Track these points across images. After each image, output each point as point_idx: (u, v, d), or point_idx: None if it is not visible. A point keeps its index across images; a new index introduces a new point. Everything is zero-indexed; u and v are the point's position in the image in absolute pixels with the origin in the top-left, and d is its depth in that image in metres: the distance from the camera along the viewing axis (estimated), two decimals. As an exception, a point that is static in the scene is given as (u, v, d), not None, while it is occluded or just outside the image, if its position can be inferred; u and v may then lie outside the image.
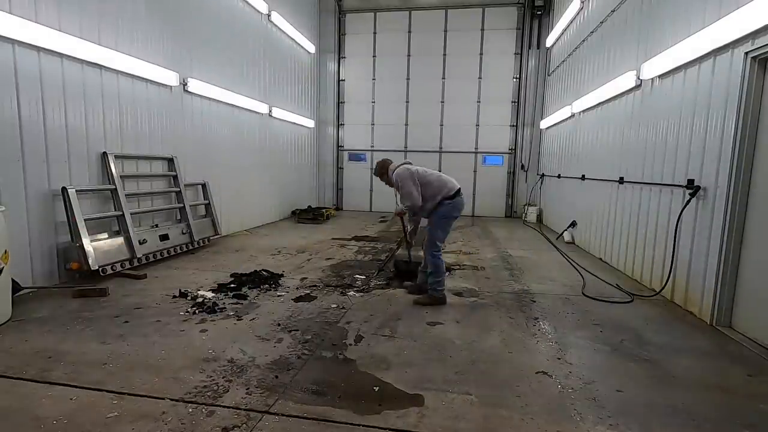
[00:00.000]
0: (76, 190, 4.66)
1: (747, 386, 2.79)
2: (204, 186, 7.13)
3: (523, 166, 11.89)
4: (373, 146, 12.62)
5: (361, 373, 2.84)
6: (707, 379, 2.87)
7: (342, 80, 12.58)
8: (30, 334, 3.31)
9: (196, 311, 3.85)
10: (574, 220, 8.02)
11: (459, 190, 4.28)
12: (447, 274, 5.46)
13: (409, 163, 4.41)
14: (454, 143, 12.15)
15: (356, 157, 12.83)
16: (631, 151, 5.67)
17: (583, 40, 7.95)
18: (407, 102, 12.27)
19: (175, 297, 4.25)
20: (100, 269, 4.68)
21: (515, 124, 11.83)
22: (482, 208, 12.24)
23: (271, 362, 2.94)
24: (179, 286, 4.56)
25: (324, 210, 10.67)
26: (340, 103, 12.69)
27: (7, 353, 2.98)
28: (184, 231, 6.27)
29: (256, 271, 5.16)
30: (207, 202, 7.11)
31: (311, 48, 11.58)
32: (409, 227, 5.00)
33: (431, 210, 4.26)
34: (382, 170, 4.50)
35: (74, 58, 4.69)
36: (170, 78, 6.21)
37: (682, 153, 4.43)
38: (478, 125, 12.02)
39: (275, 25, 9.56)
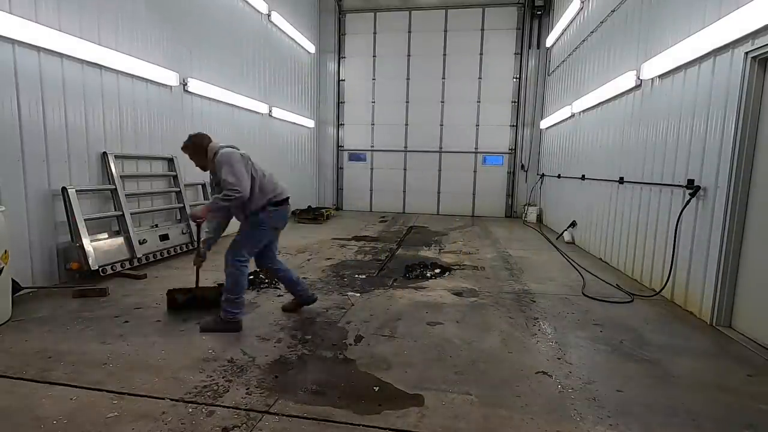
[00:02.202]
0: (76, 190, 4.66)
1: (747, 386, 2.79)
2: (204, 186, 7.13)
3: (523, 166, 11.89)
4: (373, 146, 12.62)
5: (361, 373, 2.84)
6: (707, 379, 2.87)
7: (342, 80, 12.58)
8: (30, 334, 3.31)
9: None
10: (574, 220, 8.01)
11: (288, 198, 3.67)
12: (447, 273, 5.50)
13: (236, 148, 3.57)
14: (454, 143, 12.14)
15: (356, 157, 12.83)
16: (631, 151, 5.67)
17: (583, 40, 7.94)
18: (407, 102, 12.26)
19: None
20: (100, 269, 4.68)
21: (515, 124, 11.82)
22: (482, 208, 12.23)
23: (271, 362, 2.94)
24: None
25: (324, 210, 10.67)
26: (340, 103, 12.68)
27: (7, 353, 2.98)
28: (184, 231, 6.27)
29: (256, 271, 5.15)
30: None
31: (311, 48, 11.58)
32: (203, 234, 3.77)
33: (251, 212, 3.50)
34: (199, 147, 3.52)
35: (74, 58, 4.69)
36: (170, 78, 6.21)
37: (682, 153, 4.43)
38: (478, 125, 12.01)
39: (275, 25, 9.56)
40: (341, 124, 12.81)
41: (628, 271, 5.57)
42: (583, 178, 7.64)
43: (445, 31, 11.83)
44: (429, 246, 7.37)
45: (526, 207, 11.40)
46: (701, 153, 4.09)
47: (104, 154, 5.17)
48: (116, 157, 5.33)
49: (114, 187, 5.20)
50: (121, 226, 5.28)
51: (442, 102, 12.08)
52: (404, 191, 12.66)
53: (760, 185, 3.49)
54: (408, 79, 12.18)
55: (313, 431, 2.22)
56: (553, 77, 10.62)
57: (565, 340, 3.45)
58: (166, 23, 6.16)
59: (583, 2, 8.10)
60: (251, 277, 4.91)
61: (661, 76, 4.93)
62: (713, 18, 3.89)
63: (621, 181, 5.88)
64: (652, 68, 5.03)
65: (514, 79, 11.69)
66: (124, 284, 4.64)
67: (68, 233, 4.65)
